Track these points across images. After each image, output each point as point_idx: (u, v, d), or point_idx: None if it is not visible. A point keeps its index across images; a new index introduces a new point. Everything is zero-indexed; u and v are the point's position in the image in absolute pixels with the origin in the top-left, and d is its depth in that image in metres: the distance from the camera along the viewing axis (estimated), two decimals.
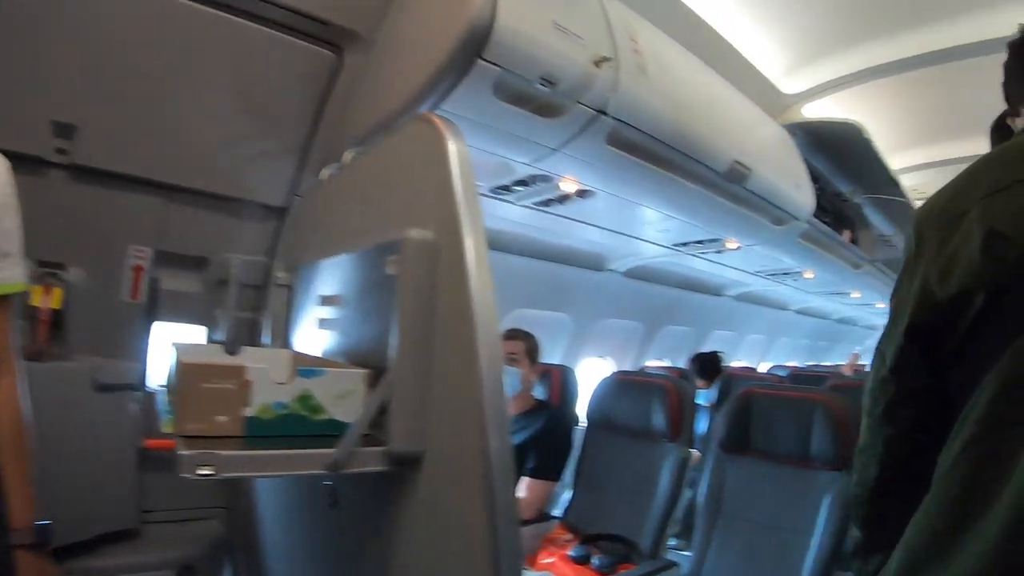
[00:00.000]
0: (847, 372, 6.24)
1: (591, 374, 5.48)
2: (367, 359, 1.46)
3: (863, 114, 4.39)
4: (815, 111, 4.50)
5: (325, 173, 2.28)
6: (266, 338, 2.36)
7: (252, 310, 2.66)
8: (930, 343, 1.11)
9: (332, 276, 1.84)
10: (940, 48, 3.95)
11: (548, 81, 2.13)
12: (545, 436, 3.09)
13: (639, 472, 3.06)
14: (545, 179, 2.87)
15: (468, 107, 2.10)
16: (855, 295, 7.05)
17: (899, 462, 1.17)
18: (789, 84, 4.27)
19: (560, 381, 3.80)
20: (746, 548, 2.71)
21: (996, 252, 1.00)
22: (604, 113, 2.36)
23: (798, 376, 5.77)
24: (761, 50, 3.88)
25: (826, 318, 9.07)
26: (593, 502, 3.17)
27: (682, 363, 6.42)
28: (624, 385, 3.35)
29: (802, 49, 4.02)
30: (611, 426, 3.28)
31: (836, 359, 10.11)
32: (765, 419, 2.78)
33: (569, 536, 2.95)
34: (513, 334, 3.25)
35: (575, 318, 5.17)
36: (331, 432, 1.32)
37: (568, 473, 3.23)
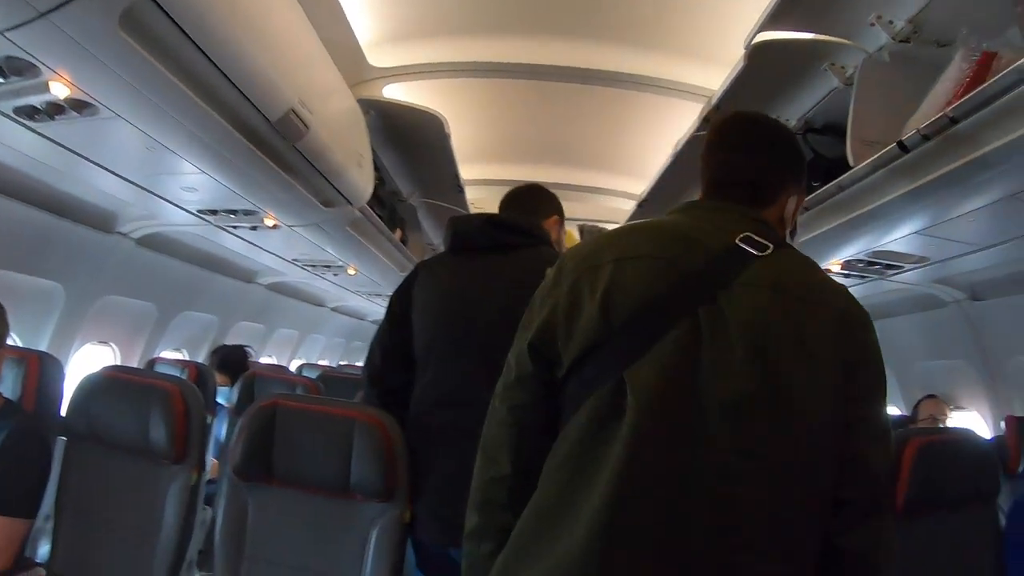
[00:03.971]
0: None
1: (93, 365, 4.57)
2: None
3: (447, 112, 4.16)
4: (397, 93, 4.18)
5: None
6: None
7: None
8: (548, 360, 1.33)
9: None
10: (536, 63, 3.90)
11: None
12: (11, 454, 2.33)
13: (139, 502, 2.48)
14: (28, 68, 2.09)
15: None
16: None
17: (519, 458, 1.35)
18: (378, 55, 3.86)
19: (38, 375, 2.83)
20: None
21: (609, 310, 1.27)
22: None
23: (330, 378, 5.25)
24: (359, 5, 3.40)
25: (363, 319, 9.09)
26: (83, 543, 2.52)
27: (202, 357, 5.89)
28: (116, 386, 2.60)
29: (403, 22, 3.67)
30: (100, 440, 2.55)
31: None
32: (294, 439, 2.26)
33: None
34: None
35: (70, 290, 4.17)
36: None
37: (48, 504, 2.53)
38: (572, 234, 2.48)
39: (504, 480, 1.35)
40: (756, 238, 1.31)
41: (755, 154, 1.49)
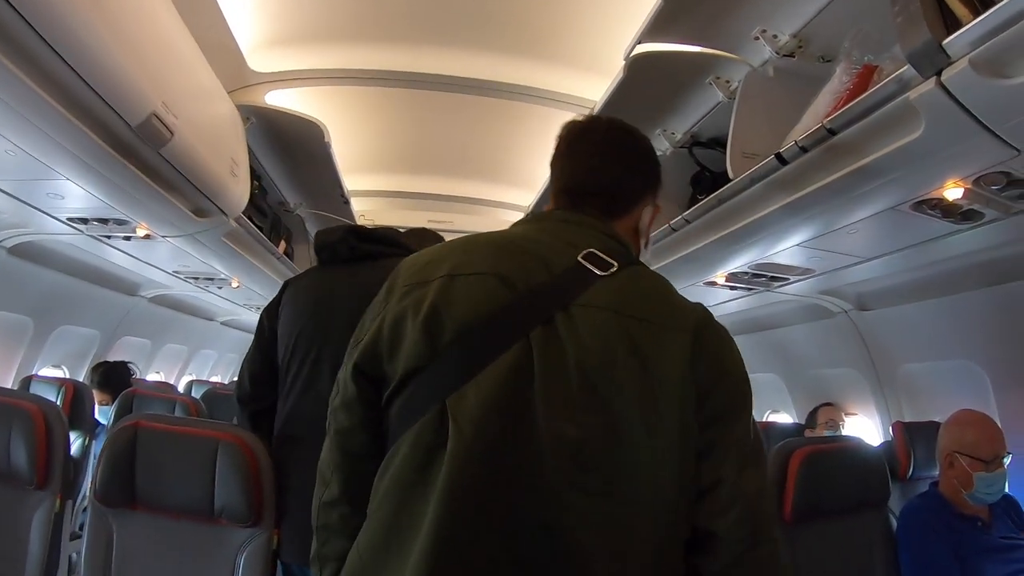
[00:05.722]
0: None
1: None
2: None
3: (331, 121, 4.08)
4: (279, 99, 4.04)
5: None
6: None
7: None
8: (374, 380, 1.26)
9: None
10: (422, 71, 3.85)
11: None
12: None
13: (2, 531, 2.41)
14: None
15: None
16: None
17: (347, 483, 1.29)
18: (260, 60, 3.72)
19: None
20: None
21: (432, 331, 1.19)
22: None
23: (216, 396, 5.11)
24: (239, 8, 3.26)
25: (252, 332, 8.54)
26: None
27: (84, 374, 5.58)
28: None
29: (285, 27, 3.55)
30: None
31: None
32: (156, 462, 2.16)
33: None
34: None
35: None
36: None
37: None
38: None
39: (336, 505, 1.30)
40: (600, 255, 1.25)
41: (609, 162, 1.43)
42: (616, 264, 1.24)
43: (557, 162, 1.46)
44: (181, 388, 6.91)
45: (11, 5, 1.75)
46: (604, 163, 1.42)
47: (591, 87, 3.73)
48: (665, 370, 1.15)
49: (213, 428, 2.21)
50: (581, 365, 1.13)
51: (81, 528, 3.31)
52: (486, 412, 1.12)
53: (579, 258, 1.24)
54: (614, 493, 1.11)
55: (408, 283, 1.28)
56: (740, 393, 1.23)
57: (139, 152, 2.64)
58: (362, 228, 2.29)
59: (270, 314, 2.29)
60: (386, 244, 2.23)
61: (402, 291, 1.27)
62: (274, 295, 2.34)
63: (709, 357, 1.19)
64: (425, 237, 2.56)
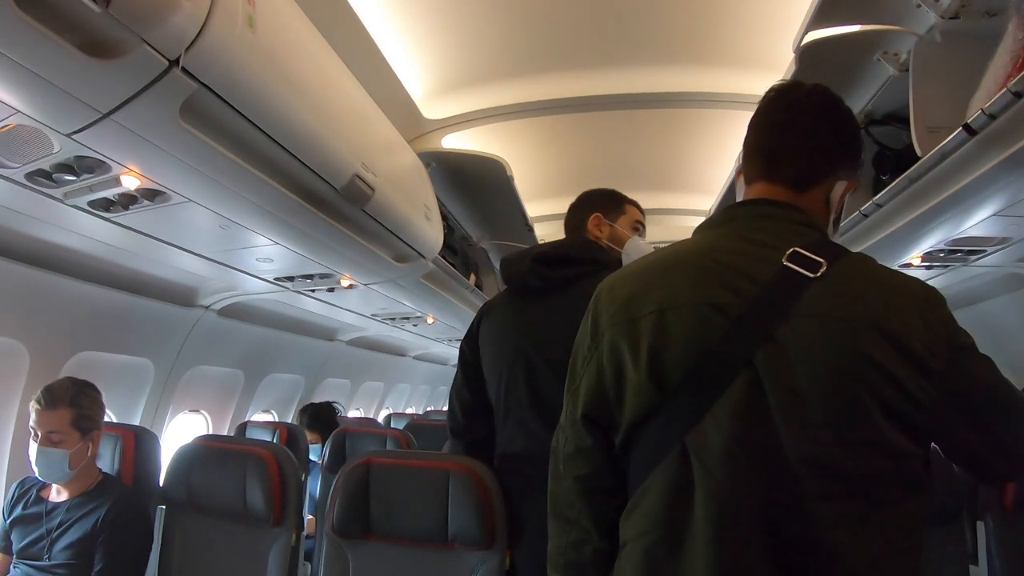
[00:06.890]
0: None
1: (186, 435, 4.66)
2: None
3: (506, 154, 4.14)
4: (455, 142, 4.17)
5: None
6: None
7: None
8: (605, 427, 1.28)
9: None
10: (590, 95, 3.85)
11: None
12: (115, 526, 2.48)
13: (242, 565, 2.56)
14: (97, 165, 2.12)
15: None
16: None
17: (597, 521, 1.29)
18: (432, 108, 3.86)
19: (135, 449, 2.89)
20: None
21: (657, 375, 1.18)
22: (177, 65, 1.67)
23: (418, 427, 5.27)
24: (408, 63, 3.42)
25: (446, 364, 8.96)
26: None
27: (291, 416, 6.01)
28: (211, 454, 2.69)
29: (452, 73, 3.66)
30: (199, 508, 2.65)
31: None
32: (390, 494, 2.27)
33: None
34: (53, 397, 2.48)
35: (159, 364, 4.25)
36: None
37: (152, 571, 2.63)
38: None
39: (589, 543, 1.29)
40: (805, 253, 1.19)
41: (805, 119, 1.33)
42: (823, 261, 1.18)
43: (751, 128, 1.40)
44: (380, 421, 7.17)
45: (229, 104, 1.91)
46: (800, 120, 1.34)
47: (758, 83, 3.57)
48: (904, 367, 1.11)
49: (442, 459, 2.29)
50: (812, 381, 1.11)
51: (307, 558, 3.54)
52: (730, 447, 1.12)
53: (784, 261, 1.19)
54: (861, 494, 1.11)
55: (614, 321, 1.27)
56: (973, 344, 1.20)
57: (343, 211, 2.79)
58: (549, 253, 2.15)
59: (470, 344, 2.27)
60: (576, 265, 2.11)
61: (609, 330, 1.27)
62: (468, 325, 2.33)
63: (944, 329, 1.16)
64: (591, 199, 2.45)
